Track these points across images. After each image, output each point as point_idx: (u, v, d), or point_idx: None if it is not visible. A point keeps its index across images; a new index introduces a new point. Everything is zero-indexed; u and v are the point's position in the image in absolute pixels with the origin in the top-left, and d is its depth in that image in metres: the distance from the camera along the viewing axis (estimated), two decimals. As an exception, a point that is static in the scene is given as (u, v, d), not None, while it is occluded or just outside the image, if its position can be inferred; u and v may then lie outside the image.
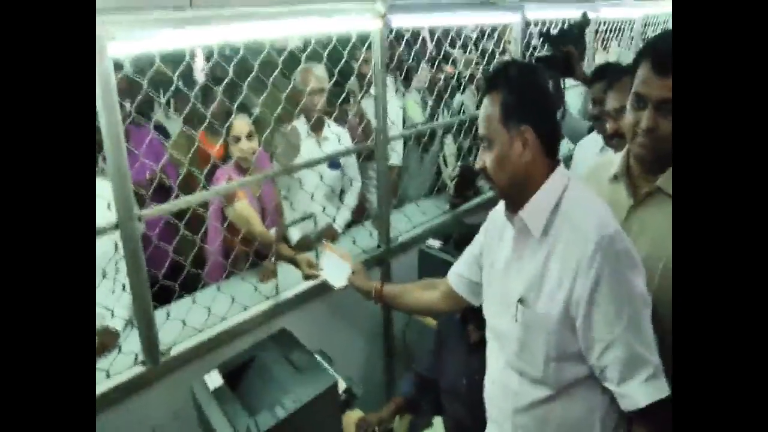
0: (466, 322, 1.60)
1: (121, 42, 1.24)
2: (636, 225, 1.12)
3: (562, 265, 0.99)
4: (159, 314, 1.53)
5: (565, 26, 2.29)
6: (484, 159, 1.07)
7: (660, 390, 0.95)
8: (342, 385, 1.55)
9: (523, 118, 1.02)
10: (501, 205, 1.15)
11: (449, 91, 2.53)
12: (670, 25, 3.97)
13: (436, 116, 2.48)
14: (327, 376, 1.39)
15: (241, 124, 1.87)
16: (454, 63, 2.54)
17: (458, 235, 2.07)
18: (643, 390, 0.96)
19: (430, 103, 2.64)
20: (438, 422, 1.79)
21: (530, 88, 1.04)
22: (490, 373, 1.20)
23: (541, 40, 2.25)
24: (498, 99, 1.03)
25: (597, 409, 1.04)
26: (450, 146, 2.64)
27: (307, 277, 1.85)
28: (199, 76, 3.21)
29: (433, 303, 1.44)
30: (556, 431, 1.07)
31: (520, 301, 1.05)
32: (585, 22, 2.25)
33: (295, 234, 2.20)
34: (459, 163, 2.60)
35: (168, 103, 2.71)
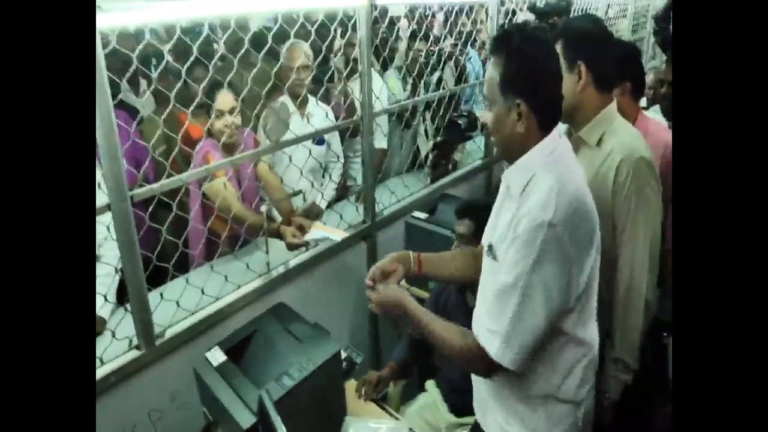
0: (465, 287, 1.65)
1: (108, 14, 1.19)
2: None
3: (520, 226, 1.02)
4: (152, 296, 1.50)
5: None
6: (486, 118, 1.11)
7: (489, 345, 1.04)
8: (342, 354, 1.57)
9: (519, 92, 1.03)
10: None
11: (429, 67, 2.55)
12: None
13: (417, 92, 2.50)
14: (330, 344, 1.41)
15: (224, 98, 1.84)
16: (434, 42, 2.55)
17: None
18: (484, 334, 1.06)
19: (410, 80, 2.65)
20: (431, 385, 1.84)
21: (529, 61, 1.04)
22: None
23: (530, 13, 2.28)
24: (499, 65, 1.05)
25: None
26: (428, 122, 2.66)
27: (290, 247, 1.83)
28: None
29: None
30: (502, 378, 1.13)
31: (489, 247, 1.12)
32: None
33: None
34: (437, 138, 2.63)
35: (136, 80, 2.59)
